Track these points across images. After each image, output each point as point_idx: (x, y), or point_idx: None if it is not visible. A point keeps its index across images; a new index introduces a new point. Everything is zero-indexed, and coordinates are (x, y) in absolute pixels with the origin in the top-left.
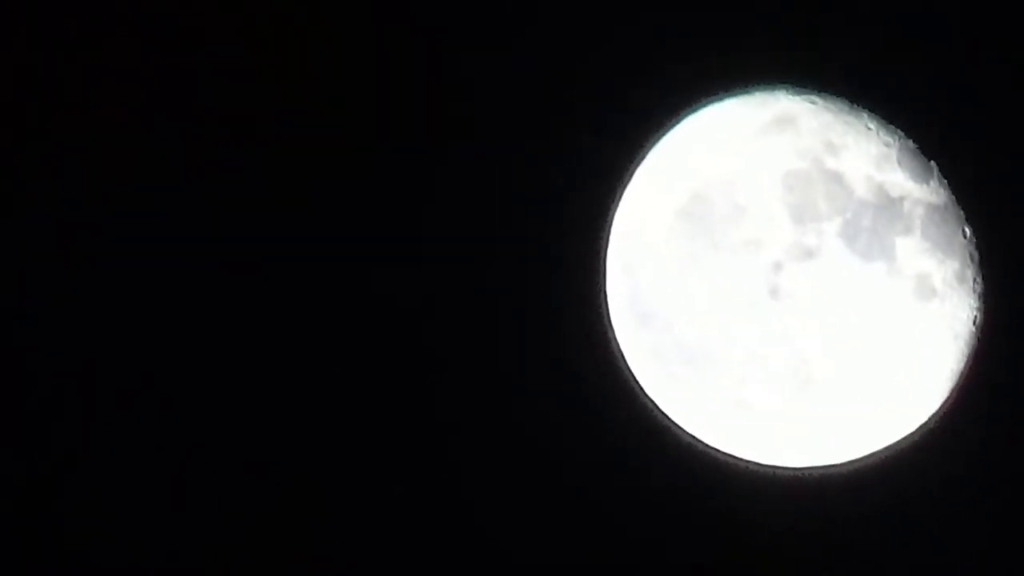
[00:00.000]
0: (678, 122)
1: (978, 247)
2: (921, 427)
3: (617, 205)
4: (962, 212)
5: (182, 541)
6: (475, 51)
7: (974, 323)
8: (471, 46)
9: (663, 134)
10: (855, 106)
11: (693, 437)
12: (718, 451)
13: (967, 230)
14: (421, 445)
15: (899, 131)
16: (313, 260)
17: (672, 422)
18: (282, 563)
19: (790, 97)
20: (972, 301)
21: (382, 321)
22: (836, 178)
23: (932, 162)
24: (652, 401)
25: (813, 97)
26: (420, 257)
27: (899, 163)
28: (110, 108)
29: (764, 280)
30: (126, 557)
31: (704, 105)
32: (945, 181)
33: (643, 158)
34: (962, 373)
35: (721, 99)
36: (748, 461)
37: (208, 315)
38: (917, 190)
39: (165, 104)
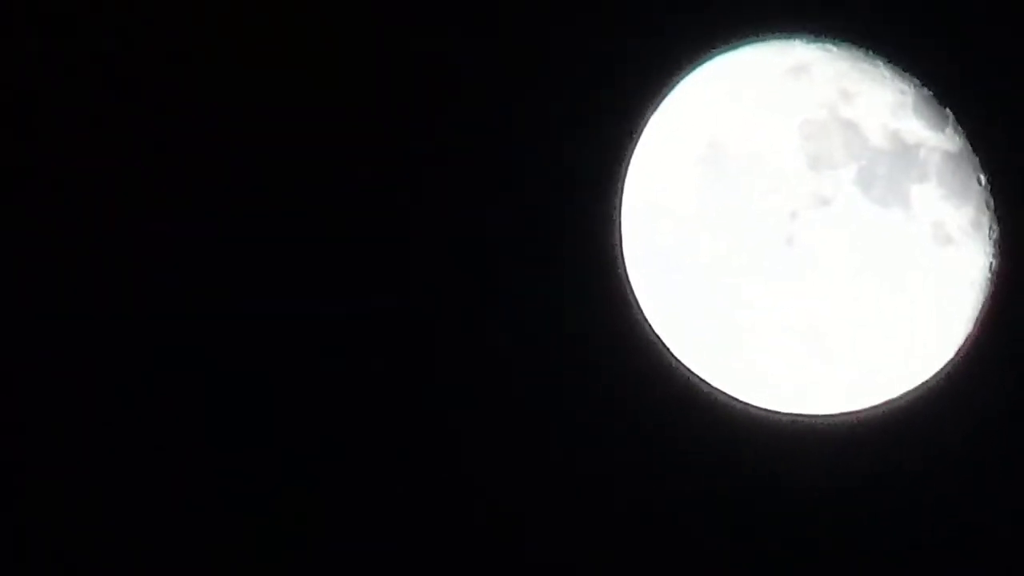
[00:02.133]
0: (692, 71)
1: (993, 194)
2: (937, 374)
3: (632, 154)
4: (977, 159)
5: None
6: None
7: (990, 269)
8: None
9: (677, 83)
10: (870, 54)
11: (709, 385)
12: (736, 399)
13: (982, 177)
14: (429, 410)
15: (914, 79)
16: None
17: (690, 371)
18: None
19: (806, 45)
20: (988, 248)
21: (387, 278)
22: (851, 126)
23: (947, 110)
24: (669, 350)
25: (829, 45)
26: (432, 213)
27: (915, 111)
28: None
29: (780, 228)
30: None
31: (719, 53)
32: (960, 129)
33: (657, 107)
34: (978, 319)
35: (736, 47)
36: (766, 409)
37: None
38: (932, 138)
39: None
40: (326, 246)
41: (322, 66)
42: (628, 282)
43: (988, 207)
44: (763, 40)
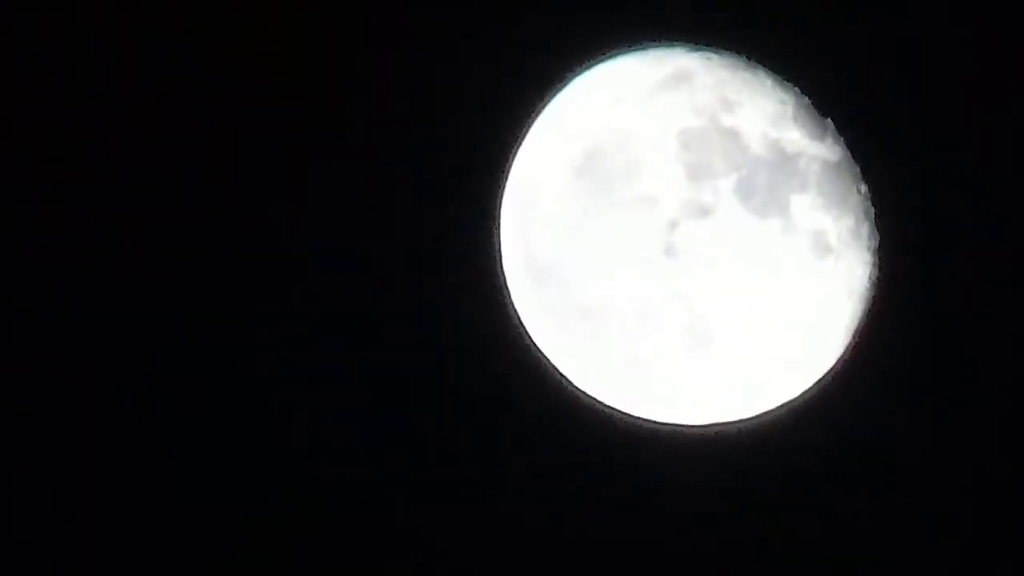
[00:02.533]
0: (573, 79)
1: (873, 204)
2: (817, 384)
3: (512, 163)
4: (857, 169)
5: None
6: (373, 10)
7: (869, 280)
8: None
9: (558, 91)
10: (751, 62)
11: (589, 396)
12: (615, 409)
13: (862, 187)
14: (308, 406)
15: (795, 88)
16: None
17: (568, 381)
18: None
19: (686, 53)
20: (867, 258)
21: (273, 284)
22: (732, 135)
23: (828, 119)
24: (548, 360)
25: (709, 53)
26: (313, 224)
27: (795, 120)
28: None
29: (659, 237)
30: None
31: (600, 61)
32: (840, 138)
33: (538, 115)
34: (858, 330)
35: (617, 55)
36: (645, 419)
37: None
38: (812, 147)
39: None
40: (208, 259)
41: (207, 94)
42: (507, 292)
43: (868, 217)
44: (643, 49)
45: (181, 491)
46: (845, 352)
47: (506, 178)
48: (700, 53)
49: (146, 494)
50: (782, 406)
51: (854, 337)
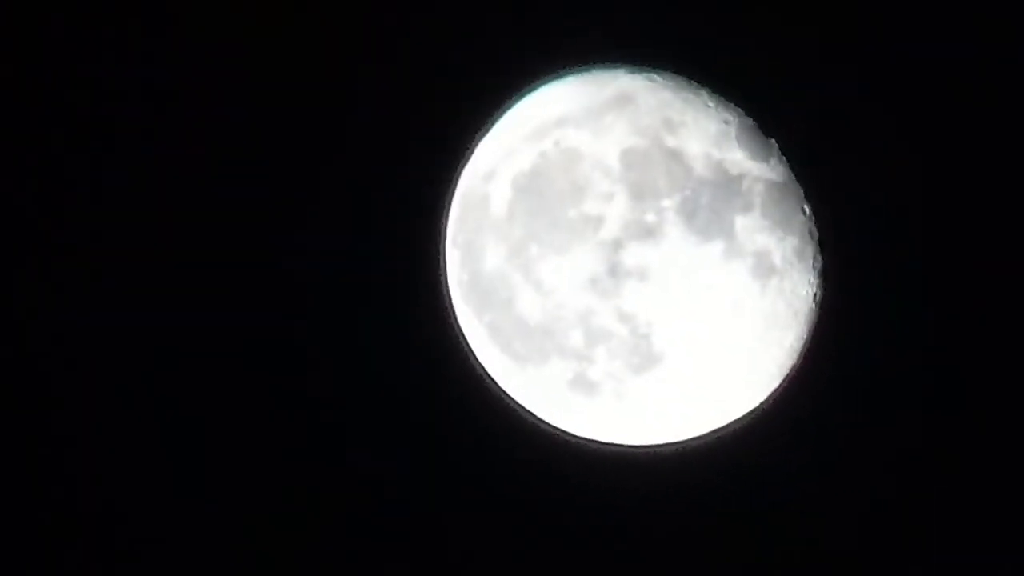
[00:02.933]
0: (518, 100)
1: (817, 224)
2: (763, 404)
3: (456, 183)
4: (801, 190)
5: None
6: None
7: (814, 300)
8: (314, 38)
9: (503, 112)
10: (694, 83)
11: (534, 416)
12: (560, 430)
13: (806, 207)
14: (255, 428)
15: (738, 109)
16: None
17: (513, 402)
18: None
19: (629, 75)
20: (812, 278)
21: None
22: (675, 156)
23: (771, 140)
24: (493, 380)
25: (652, 75)
26: (262, 247)
27: (738, 141)
28: None
29: (604, 258)
30: None
31: (544, 83)
32: (784, 158)
33: (483, 136)
34: (803, 349)
35: (561, 76)
36: (590, 440)
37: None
38: (756, 168)
39: None
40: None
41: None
42: (452, 312)
43: (812, 237)
44: (587, 70)
45: None
46: (790, 372)
47: (451, 197)
48: (643, 74)
49: None
50: (728, 426)
51: (799, 357)
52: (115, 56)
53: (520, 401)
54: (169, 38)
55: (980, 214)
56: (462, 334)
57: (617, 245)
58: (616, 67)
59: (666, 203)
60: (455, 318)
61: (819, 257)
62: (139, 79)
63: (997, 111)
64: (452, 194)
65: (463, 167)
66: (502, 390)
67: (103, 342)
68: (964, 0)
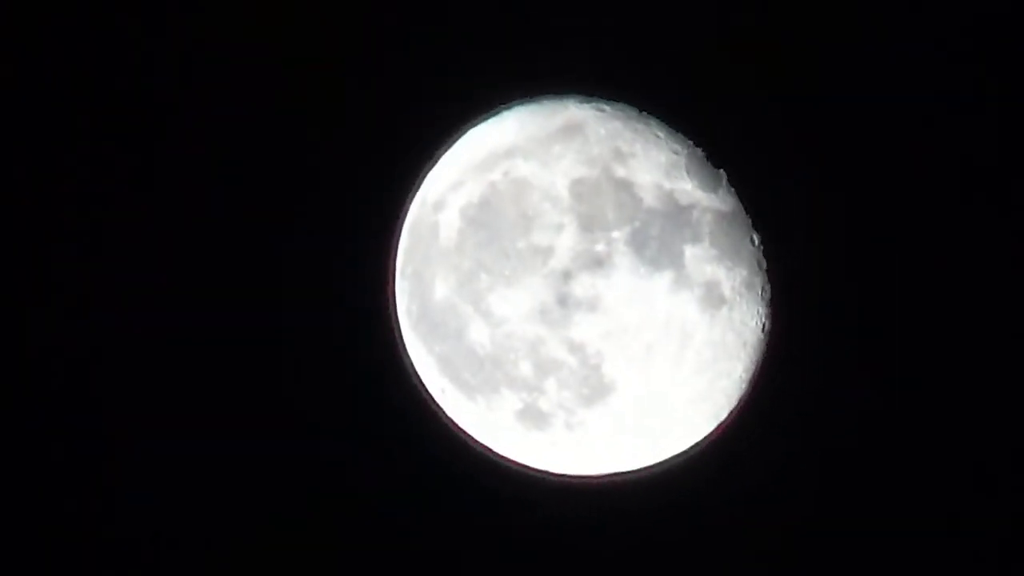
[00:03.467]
0: (467, 130)
1: (766, 254)
2: (712, 434)
3: (406, 212)
4: (750, 220)
5: None
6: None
7: (763, 330)
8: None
9: (452, 141)
10: (643, 114)
11: (485, 448)
12: (511, 461)
13: (755, 238)
14: (200, 461)
15: (688, 139)
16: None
17: (463, 433)
18: None
19: (579, 105)
20: (761, 308)
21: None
22: (625, 186)
23: (720, 170)
24: (443, 412)
25: (602, 105)
26: (212, 277)
27: (688, 171)
28: None
29: (554, 288)
30: None
31: (494, 113)
32: (733, 189)
33: (432, 165)
34: (752, 379)
35: (510, 107)
36: (541, 470)
37: None
38: (706, 198)
39: None
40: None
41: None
42: (401, 342)
43: (761, 267)
44: (537, 100)
45: None
46: (740, 402)
47: (400, 227)
48: (592, 104)
49: None
50: (678, 456)
51: (748, 387)
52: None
53: (471, 432)
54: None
55: (926, 243)
56: (412, 365)
57: (567, 276)
58: (565, 97)
59: (616, 234)
60: (404, 349)
61: (768, 287)
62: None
63: (942, 142)
64: (401, 225)
65: (412, 197)
66: (452, 421)
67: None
68: (911, 36)
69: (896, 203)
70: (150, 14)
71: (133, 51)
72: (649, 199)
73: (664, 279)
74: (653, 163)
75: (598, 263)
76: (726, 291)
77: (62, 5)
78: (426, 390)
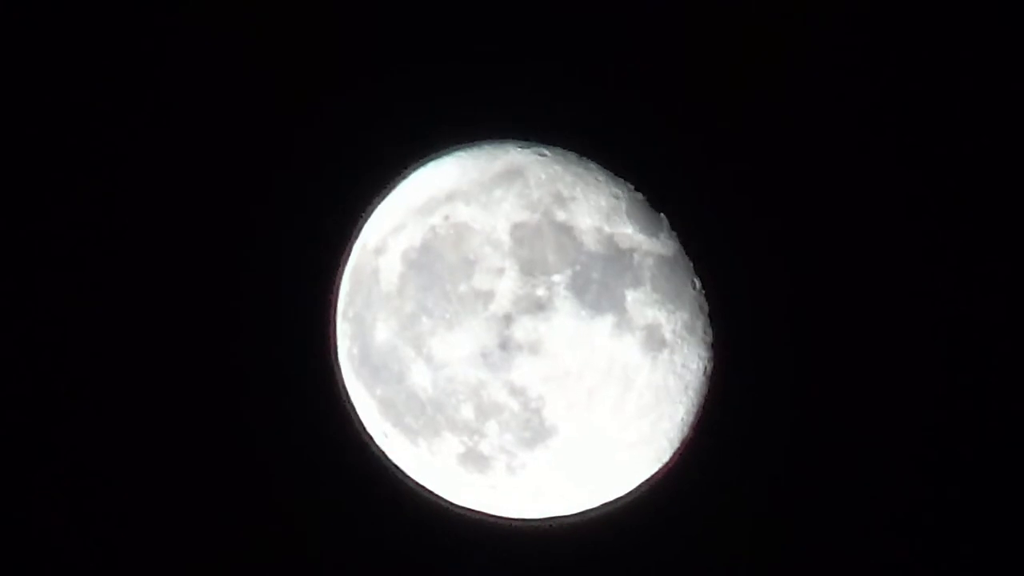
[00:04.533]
0: (408, 174)
1: (707, 298)
2: (654, 477)
3: (347, 257)
4: (691, 264)
5: None
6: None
7: (705, 373)
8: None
9: (393, 186)
10: (584, 158)
11: (427, 491)
12: (453, 504)
13: (696, 281)
14: (131, 500)
15: (628, 183)
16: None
17: (406, 477)
18: None
19: (519, 149)
20: (702, 351)
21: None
22: (565, 230)
23: (661, 214)
24: (384, 454)
25: (542, 149)
26: (147, 318)
27: (628, 215)
28: None
29: (495, 332)
30: None
31: (434, 158)
32: (674, 233)
33: (373, 210)
34: (694, 422)
35: (450, 152)
36: (484, 513)
37: None
38: (647, 242)
39: None
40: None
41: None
42: (342, 386)
43: (702, 311)
44: (477, 145)
45: None
46: (682, 445)
47: (341, 272)
48: (533, 149)
49: None
50: (620, 499)
51: (690, 430)
52: None
53: (412, 476)
54: None
55: (867, 285)
56: (353, 408)
57: (508, 319)
58: (506, 141)
59: (557, 277)
60: (346, 392)
61: (709, 331)
62: None
63: (885, 186)
64: (342, 268)
65: (353, 242)
66: (394, 464)
67: None
68: (855, 82)
69: (838, 246)
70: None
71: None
72: (590, 243)
73: (605, 323)
74: (594, 207)
75: (539, 307)
76: (667, 334)
77: (42, 6)
78: (368, 433)
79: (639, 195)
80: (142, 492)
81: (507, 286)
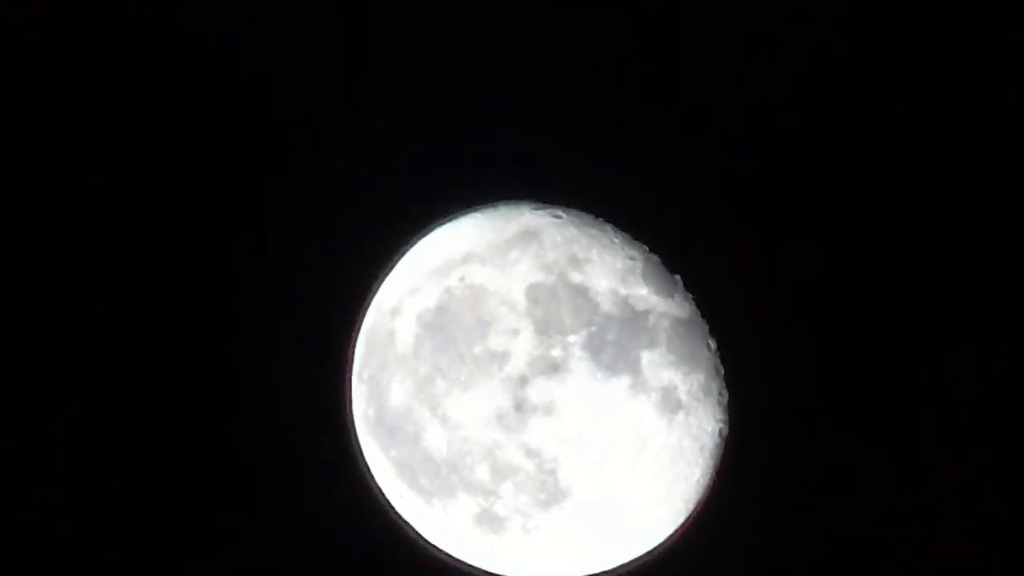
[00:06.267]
0: (423, 236)
1: (723, 359)
2: (669, 539)
3: (362, 318)
4: (706, 325)
5: None
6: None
7: (720, 435)
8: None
9: (408, 248)
10: (599, 220)
11: (442, 552)
12: (468, 566)
13: (711, 343)
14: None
15: (643, 245)
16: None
17: (420, 537)
18: None
19: (534, 211)
20: (718, 413)
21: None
22: (581, 292)
23: (676, 276)
24: (400, 516)
25: (558, 211)
26: (162, 386)
27: (644, 277)
28: None
29: (510, 393)
30: None
31: (450, 219)
32: (689, 295)
33: (389, 271)
34: (710, 484)
35: (467, 213)
36: (497, 575)
37: None
38: (662, 304)
39: None
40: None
41: None
42: (358, 447)
43: (718, 373)
44: (492, 206)
45: None
46: (697, 507)
47: (357, 333)
48: (548, 211)
49: None
50: (635, 561)
51: (706, 492)
52: None
53: (427, 537)
54: None
55: (885, 349)
56: (368, 469)
57: (523, 381)
58: (521, 203)
59: (572, 339)
60: (361, 453)
61: (725, 392)
62: None
63: (899, 245)
64: (358, 330)
65: (369, 303)
66: (409, 525)
67: None
68: (862, 138)
69: (855, 308)
70: None
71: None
72: (605, 304)
73: (621, 384)
74: (609, 268)
75: (554, 368)
76: (683, 396)
77: (42, 6)
78: (383, 494)
79: (654, 257)
80: (161, 553)
81: (522, 347)
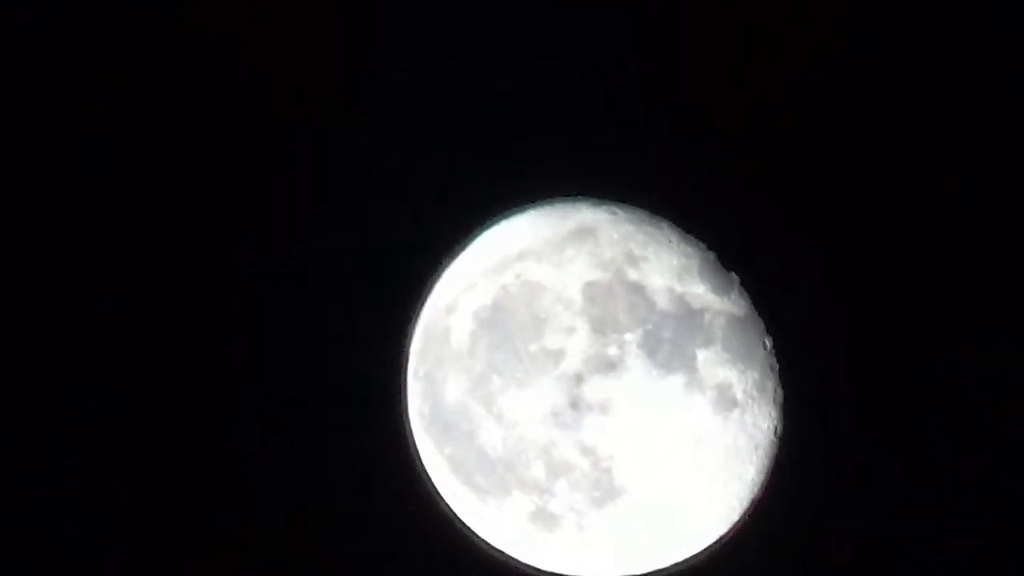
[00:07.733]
0: (480, 233)
1: (778, 358)
2: (724, 537)
3: (418, 315)
4: (762, 323)
5: None
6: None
7: (775, 433)
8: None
9: (466, 245)
10: (656, 217)
11: (495, 549)
12: (522, 563)
13: (767, 341)
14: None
15: (700, 242)
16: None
17: (474, 535)
18: None
19: (591, 208)
20: (773, 411)
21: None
22: (637, 289)
23: (732, 274)
24: (454, 514)
25: (614, 208)
26: (225, 378)
27: (700, 275)
28: None
29: (566, 391)
30: None
31: (506, 216)
32: (745, 293)
33: (445, 269)
34: (764, 482)
35: (523, 210)
36: (553, 573)
37: None
38: (718, 302)
39: None
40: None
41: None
42: (413, 444)
43: (773, 371)
44: (550, 203)
45: None
46: (752, 505)
47: (413, 330)
48: (605, 208)
49: None
50: (689, 559)
51: (760, 490)
52: None
53: (482, 534)
54: None
55: (939, 346)
56: (423, 467)
57: (578, 378)
58: (578, 200)
59: (628, 336)
60: (416, 451)
61: (780, 390)
62: None
63: (950, 244)
64: (414, 327)
65: (425, 300)
66: (463, 523)
67: None
68: (909, 138)
69: (909, 307)
70: None
71: None
72: (661, 302)
73: (676, 382)
74: (665, 266)
75: (610, 366)
76: (738, 394)
77: (43, 6)
78: (438, 492)
79: (711, 254)
80: (204, 548)
81: (578, 345)
